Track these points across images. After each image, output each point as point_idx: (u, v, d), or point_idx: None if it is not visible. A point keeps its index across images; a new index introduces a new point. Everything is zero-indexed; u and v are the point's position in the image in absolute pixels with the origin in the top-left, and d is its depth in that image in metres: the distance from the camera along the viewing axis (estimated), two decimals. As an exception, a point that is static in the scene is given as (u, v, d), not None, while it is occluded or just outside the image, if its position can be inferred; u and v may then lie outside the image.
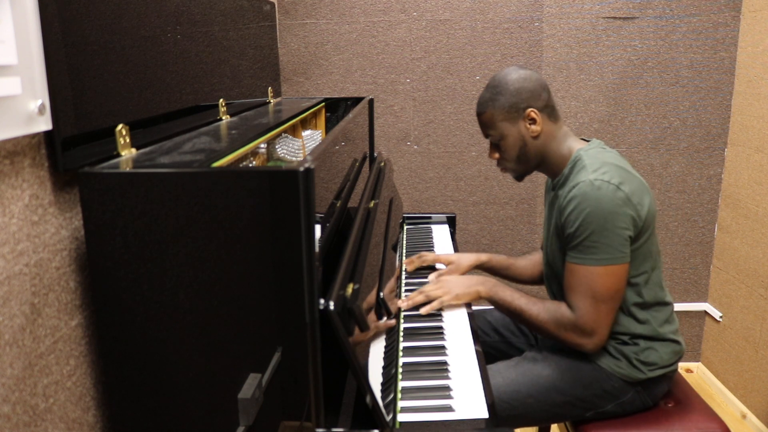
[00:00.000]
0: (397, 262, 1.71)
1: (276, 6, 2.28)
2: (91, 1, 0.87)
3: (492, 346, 1.70)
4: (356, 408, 0.98)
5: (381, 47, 2.36)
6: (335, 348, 0.87)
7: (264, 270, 0.82)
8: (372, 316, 1.13)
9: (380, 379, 1.05)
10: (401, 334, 1.32)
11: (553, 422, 1.48)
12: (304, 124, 1.72)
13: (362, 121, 1.77)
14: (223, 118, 1.38)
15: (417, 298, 1.46)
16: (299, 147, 1.49)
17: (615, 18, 2.31)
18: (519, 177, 1.51)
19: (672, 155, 2.43)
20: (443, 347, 1.27)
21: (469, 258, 1.70)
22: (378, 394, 0.98)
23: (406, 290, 1.56)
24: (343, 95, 2.31)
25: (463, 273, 1.67)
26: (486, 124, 1.44)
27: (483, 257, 1.71)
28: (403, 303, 1.45)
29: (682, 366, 2.59)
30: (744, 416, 2.28)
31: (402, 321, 1.39)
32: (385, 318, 1.24)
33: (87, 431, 0.91)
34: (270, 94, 1.87)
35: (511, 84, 1.39)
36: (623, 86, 2.37)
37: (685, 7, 2.29)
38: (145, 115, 1.03)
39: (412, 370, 1.19)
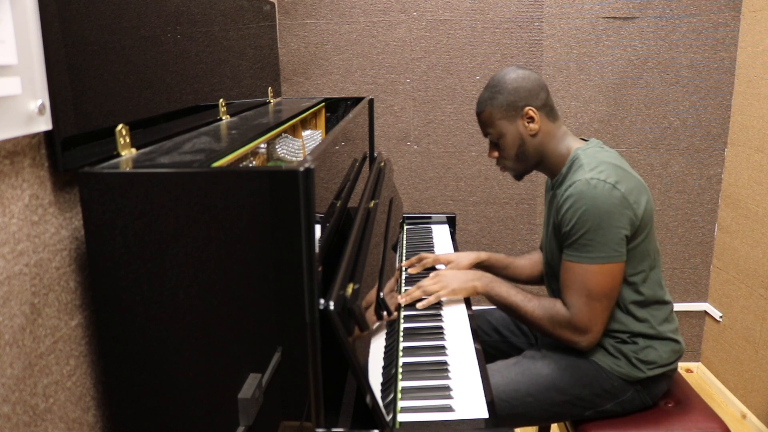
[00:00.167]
0: (397, 262, 1.71)
1: (276, 6, 2.28)
2: (91, 1, 0.87)
3: (492, 346, 1.70)
4: (356, 408, 0.98)
5: (381, 47, 2.36)
6: (335, 348, 0.87)
7: (264, 270, 0.82)
8: (372, 316, 1.13)
9: (380, 379, 1.05)
10: (401, 334, 1.32)
11: (553, 421, 1.48)
12: (304, 124, 1.72)
13: (362, 121, 1.77)
14: (223, 118, 1.38)
15: (414, 293, 1.47)
16: (299, 147, 1.49)
17: (615, 18, 2.31)
18: (518, 176, 1.51)
19: (672, 155, 2.43)
20: (443, 347, 1.27)
21: (468, 256, 1.70)
22: (378, 394, 0.98)
23: (407, 290, 1.56)
24: (343, 95, 2.31)
25: None
26: (485, 123, 1.45)
27: (482, 255, 1.72)
28: (402, 299, 1.46)
29: (682, 366, 2.59)
30: (744, 416, 2.28)
31: (402, 321, 1.39)
32: (385, 318, 1.24)
33: (87, 431, 0.91)
34: (270, 94, 1.87)
35: (510, 83, 1.40)
36: (623, 86, 2.37)
37: (685, 7, 2.29)
38: (145, 115, 1.03)
39: (412, 370, 1.19)
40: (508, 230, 2.52)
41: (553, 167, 1.45)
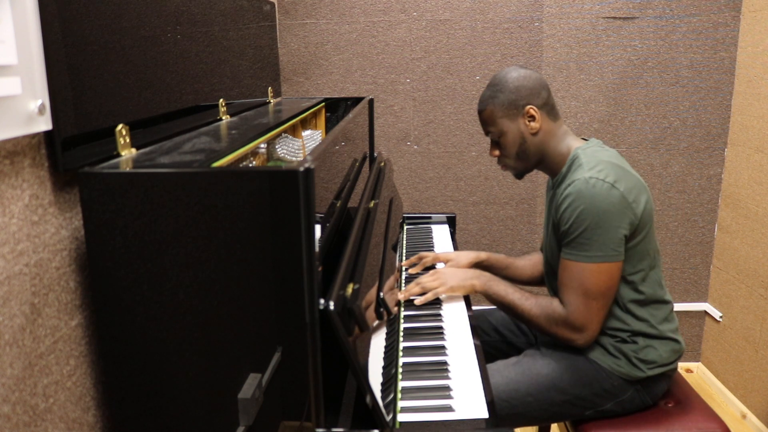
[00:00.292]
0: (397, 262, 1.71)
1: (276, 6, 2.28)
2: (91, 1, 0.87)
3: (492, 346, 1.70)
4: (356, 408, 0.98)
5: (381, 47, 2.36)
6: (335, 348, 0.87)
7: (264, 270, 0.82)
8: (372, 316, 1.13)
9: (380, 379, 1.05)
10: (401, 334, 1.33)
11: (553, 421, 1.48)
12: (304, 124, 1.72)
13: (362, 121, 1.77)
14: (223, 118, 1.38)
15: (413, 289, 1.49)
16: (299, 147, 1.49)
17: (615, 18, 2.31)
18: (519, 175, 1.52)
19: (672, 155, 2.43)
20: (443, 347, 1.27)
21: (468, 256, 1.70)
22: (378, 394, 0.98)
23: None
24: (343, 95, 2.32)
25: None
26: (486, 121, 1.46)
27: (482, 255, 1.72)
28: (401, 294, 1.48)
29: (682, 366, 2.59)
30: (744, 416, 2.28)
31: (402, 321, 1.39)
32: (385, 318, 1.24)
33: (87, 431, 0.91)
34: (270, 94, 1.87)
35: (511, 82, 1.41)
36: (623, 86, 2.37)
37: (685, 7, 2.29)
38: (145, 115, 1.03)
39: (412, 370, 1.19)
40: (508, 230, 2.52)
41: (553, 166, 1.46)
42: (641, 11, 2.30)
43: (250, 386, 0.84)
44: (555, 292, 1.51)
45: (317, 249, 0.81)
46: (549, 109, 1.43)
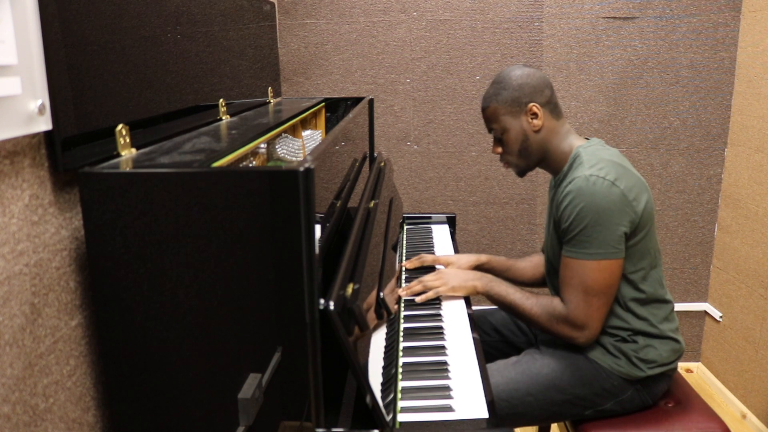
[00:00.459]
0: (397, 262, 1.71)
1: (276, 6, 2.28)
2: (91, 1, 0.87)
3: (492, 346, 1.70)
4: (356, 408, 0.98)
5: (381, 47, 2.36)
6: (335, 348, 0.87)
7: (264, 270, 0.82)
8: (372, 316, 1.13)
9: (380, 379, 1.05)
10: (401, 334, 1.33)
11: (553, 421, 1.48)
12: (304, 124, 1.72)
13: (362, 121, 1.77)
14: (223, 118, 1.38)
15: (415, 287, 1.50)
16: (299, 147, 1.49)
17: (615, 18, 2.31)
18: (521, 172, 1.52)
19: (672, 155, 2.43)
20: (443, 347, 1.27)
21: (468, 259, 1.70)
22: (378, 394, 0.98)
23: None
24: (343, 95, 2.32)
25: None
26: (489, 118, 1.47)
27: (483, 258, 1.72)
28: (402, 291, 1.49)
29: (682, 366, 2.59)
30: (744, 416, 2.28)
31: (402, 321, 1.39)
32: (385, 318, 1.24)
33: (87, 431, 0.91)
34: (270, 94, 1.87)
35: (515, 79, 1.42)
36: (623, 86, 2.37)
37: (685, 7, 2.29)
38: (145, 115, 1.03)
39: (412, 370, 1.19)
40: (508, 230, 2.52)
41: (555, 164, 1.46)
42: (641, 11, 2.30)
43: (250, 386, 0.84)
44: (556, 291, 1.52)
45: (317, 249, 0.81)
46: (552, 107, 1.44)
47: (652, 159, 2.44)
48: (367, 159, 1.88)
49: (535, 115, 1.42)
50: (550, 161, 1.47)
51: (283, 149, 1.39)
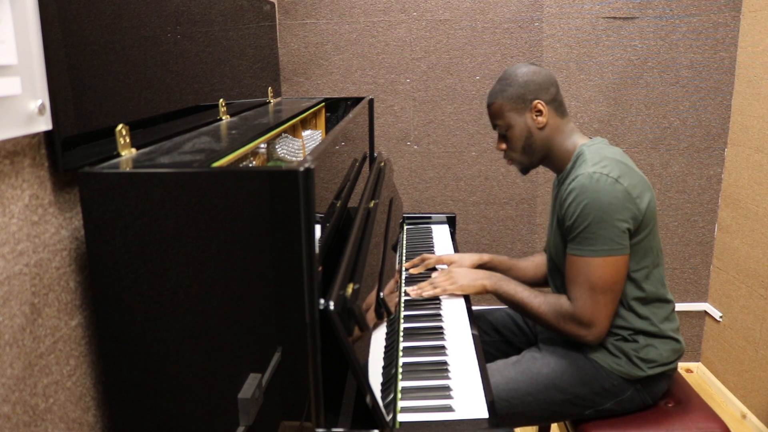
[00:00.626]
0: (397, 263, 1.71)
1: (276, 6, 2.28)
2: (91, 1, 0.87)
3: (492, 346, 1.70)
4: (356, 408, 0.98)
5: (381, 47, 2.36)
6: (335, 348, 0.87)
7: (264, 270, 0.82)
8: (372, 316, 1.13)
9: (380, 379, 1.05)
10: (401, 334, 1.32)
11: (553, 421, 1.48)
12: (304, 124, 1.72)
13: (362, 121, 1.77)
14: (223, 118, 1.38)
15: (426, 288, 1.52)
16: (299, 147, 1.49)
17: (615, 18, 2.31)
18: (524, 169, 1.52)
19: (672, 155, 2.43)
20: (443, 347, 1.27)
21: (471, 258, 1.70)
22: (378, 394, 0.98)
23: (407, 290, 1.56)
24: (343, 95, 2.32)
25: None
26: (494, 115, 1.48)
27: (485, 257, 1.72)
28: (412, 292, 1.51)
29: (682, 366, 2.59)
30: (744, 416, 2.28)
31: (402, 321, 1.39)
32: (385, 318, 1.24)
33: (87, 431, 0.91)
34: (270, 94, 1.87)
35: (521, 76, 1.43)
36: (623, 86, 2.37)
37: (685, 7, 2.29)
38: (145, 115, 1.03)
39: (412, 370, 1.19)
40: (508, 230, 2.52)
41: (558, 162, 1.47)
42: (641, 11, 2.30)
43: (250, 386, 0.84)
44: (558, 290, 1.52)
45: (317, 249, 0.81)
46: (557, 105, 1.45)
47: (652, 159, 2.44)
48: (367, 159, 1.88)
49: (539, 113, 1.43)
50: (553, 159, 1.47)
51: (283, 149, 1.39)
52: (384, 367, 1.10)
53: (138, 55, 1.00)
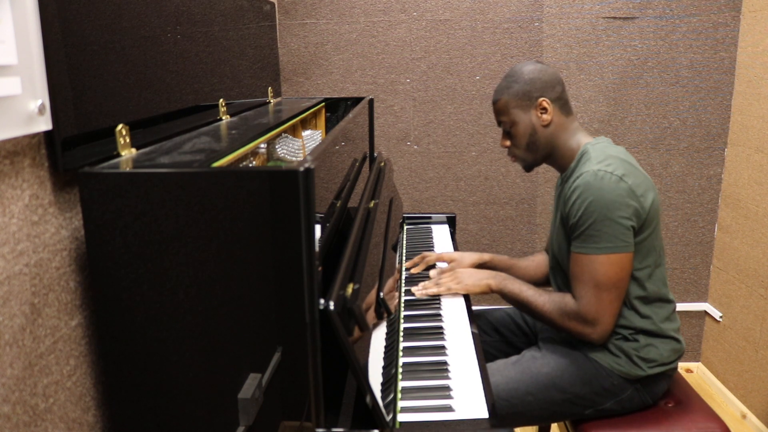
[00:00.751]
0: (397, 262, 1.71)
1: (276, 6, 2.28)
2: (91, 1, 0.87)
3: (492, 346, 1.70)
4: (356, 408, 0.98)
5: (381, 47, 2.36)
6: (335, 348, 0.87)
7: (264, 270, 0.82)
8: (372, 316, 1.13)
9: (380, 379, 1.05)
10: (401, 334, 1.32)
11: (553, 420, 1.48)
12: (304, 124, 1.72)
13: (362, 121, 1.77)
14: (223, 118, 1.38)
15: (431, 288, 1.52)
16: (299, 147, 1.49)
17: (615, 18, 2.31)
18: (527, 167, 1.53)
19: (672, 155, 2.43)
20: (443, 347, 1.27)
21: (471, 257, 1.71)
22: (378, 394, 0.98)
23: (407, 290, 1.56)
24: (343, 95, 2.32)
25: None
26: (499, 111, 1.49)
27: (485, 257, 1.72)
28: (418, 292, 1.51)
29: (682, 366, 2.59)
30: (744, 416, 2.28)
31: (402, 321, 1.39)
32: (385, 318, 1.24)
33: (87, 431, 0.91)
34: (270, 94, 1.87)
35: (527, 74, 1.44)
36: (623, 86, 2.37)
37: (685, 7, 2.29)
38: (145, 115, 1.03)
39: (412, 370, 1.19)
40: (508, 230, 2.52)
41: (562, 161, 1.47)
42: (641, 11, 2.30)
43: (250, 386, 0.84)
44: (560, 288, 1.52)
45: (317, 249, 0.81)
46: (562, 103, 1.45)
47: (652, 159, 2.44)
48: (367, 159, 1.88)
49: (544, 110, 1.43)
50: (557, 157, 1.47)
51: (283, 149, 1.39)
52: (384, 367, 1.10)
53: (138, 55, 1.00)
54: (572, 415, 1.43)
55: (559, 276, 1.51)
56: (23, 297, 0.77)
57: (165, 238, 0.81)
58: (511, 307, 1.67)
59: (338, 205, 1.17)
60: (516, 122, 1.46)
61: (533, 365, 1.41)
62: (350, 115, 1.50)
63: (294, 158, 1.42)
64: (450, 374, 1.17)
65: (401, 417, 1.03)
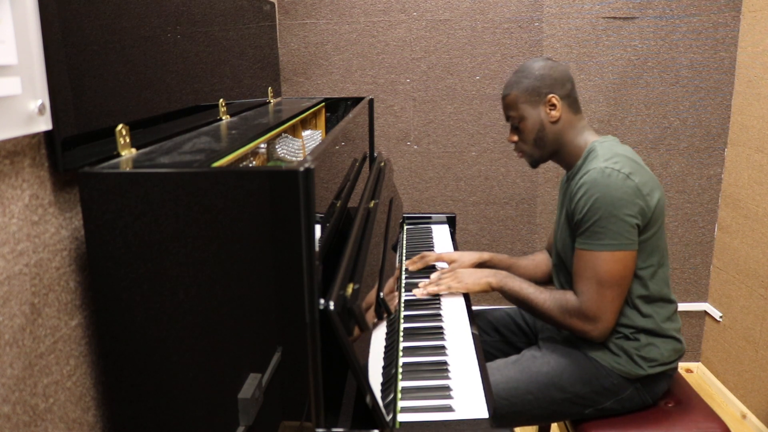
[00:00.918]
0: (397, 262, 1.71)
1: (276, 6, 2.28)
2: (91, 1, 0.87)
3: (492, 346, 1.70)
4: (356, 408, 0.98)
5: (381, 47, 2.36)
6: (335, 348, 0.87)
7: (264, 270, 0.82)
8: (372, 316, 1.13)
9: (380, 379, 1.05)
10: (401, 334, 1.32)
11: (553, 420, 1.48)
12: (304, 124, 1.72)
13: (362, 121, 1.77)
14: (223, 118, 1.38)
15: (431, 287, 1.53)
16: (299, 147, 1.49)
17: (615, 18, 2.31)
18: (534, 162, 1.53)
19: (672, 155, 2.43)
20: (443, 347, 1.27)
21: (471, 256, 1.71)
22: (378, 394, 0.98)
23: (407, 290, 1.56)
24: (343, 95, 2.31)
25: None
26: (508, 106, 1.49)
27: (485, 256, 1.72)
28: (419, 292, 1.51)
29: (682, 366, 2.59)
30: (744, 416, 2.28)
31: (402, 321, 1.39)
32: (385, 318, 1.24)
33: (87, 431, 0.91)
34: (270, 94, 1.87)
35: (537, 70, 1.45)
36: (623, 86, 2.37)
37: (685, 7, 2.29)
38: (145, 115, 1.03)
39: (412, 370, 1.19)
40: (508, 230, 2.52)
41: (569, 158, 1.47)
42: (641, 11, 2.30)
43: (250, 386, 0.84)
44: (563, 286, 1.52)
45: (317, 249, 0.81)
46: (571, 101, 1.45)
47: (652, 159, 2.44)
48: (367, 159, 1.88)
49: (553, 107, 1.43)
50: (564, 154, 1.48)
51: (283, 149, 1.39)
52: (384, 367, 1.10)
53: (138, 55, 1.00)
54: (572, 415, 1.43)
55: (562, 274, 1.51)
56: (23, 297, 0.77)
57: (165, 238, 0.81)
58: (511, 306, 1.67)
59: (338, 205, 1.17)
60: (524, 117, 1.46)
61: (533, 365, 1.41)
62: (350, 115, 1.50)
63: (294, 158, 1.42)
64: (450, 374, 1.17)
65: (401, 417, 1.03)
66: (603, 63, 2.35)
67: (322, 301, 0.84)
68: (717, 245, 2.47)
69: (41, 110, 0.76)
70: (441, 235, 2.03)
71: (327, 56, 2.37)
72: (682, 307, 2.53)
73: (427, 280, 1.56)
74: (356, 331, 0.96)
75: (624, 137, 2.41)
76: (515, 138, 1.51)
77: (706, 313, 2.55)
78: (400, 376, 1.15)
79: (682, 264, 2.52)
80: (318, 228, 0.82)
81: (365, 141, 1.87)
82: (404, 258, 1.80)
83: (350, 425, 0.94)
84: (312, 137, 1.64)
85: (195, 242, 0.81)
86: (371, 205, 1.46)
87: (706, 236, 2.49)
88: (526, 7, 2.32)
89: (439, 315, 1.43)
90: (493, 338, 1.70)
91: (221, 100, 1.39)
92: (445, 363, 1.21)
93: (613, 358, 1.39)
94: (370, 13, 2.33)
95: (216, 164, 0.89)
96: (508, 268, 1.74)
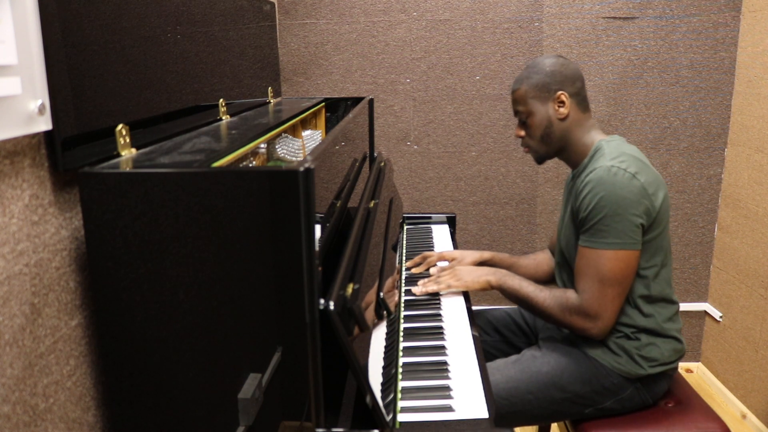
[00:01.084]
0: (397, 262, 1.71)
1: (276, 6, 2.28)
2: (91, 1, 0.87)
3: (492, 346, 1.70)
4: (356, 408, 0.98)
5: (381, 47, 2.36)
6: (335, 348, 0.87)
7: (264, 270, 0.82)
8: (372, 316, 1.13)
9: (380, 379, 1.05)
10: (401, 334, 1.32)
11: (553, 420, 1.48)
12: (304, 124, 1.72)
13: (362, 121, 1.77)
14: (223, 118, 1.38)
15: (430, 286, 1.53)
16: (299, 147, 1.49)
17: (615, 18, 2.31)
18: (539, 159, 1.53)
19: (672, 155, 2.43)
20: (443, 347, 1.27)
21: (472, 255, 1.71)
22: (378, 394, 0.98)
23: (407, 290, 1.56)
24: (343, 95, 2.32)
25: None
26: (517, 101, 1.49)
27: (486, 255, 1.73)
28: (418, 291, 1.51)
29: (682, 366, 2.59)
30: (744, 416, 2.28)
31: (402, 321, 1.39)
32: (385, 318, 1.24)
33: (87, 431, 0.91)
34: (270, 94, 1.87)
35: (548, 66, 1.45)
36: (623, 86, 2.37)
37: (685, 7, 2.29)
38: (145, 115, 1.03)
39: (412, 370, 1.19)
40: (508, 230, 2.52)
41: (575, 156, 1.47)
42: (641, 11, 2.30)
43: (250, 386, 0.84)
44: (565, 285, 1.52)
45: (317, 249, 0.81)
46: (580, 99, 1.46)
47: (652, 159, 2.43)
48: (367, 159, 1.88)
49: (562, 104, 1.43)
50: (570, 152, 1.48)
51: (283, 149, 1.39)
52: (384, 367, 1.10)
53: (138, 55, 1.00)
54: (572, 414, 1.43)
55: (565, 272, 1.51)
56: (23, 297, 0.77)
57: (165, 238, 0.81)
58: (511, 306, 1.67)
59: (338, 205, 1.17)
60: (533, 113, 1.46)
61: (533, 364, 1.41)
62: (350, 115, 1.50)
63: (294, 158, 1.42)
64: (450, 374, 1.17)
65: (401, 417, 1.03)
66: (603, 63, 2.35)
67: (322, 301, 0.84)
68: (717, 245, 2.47)
69: (41, 110, 0.76)
70: (441, 235, 2.03)
71: (327, 56, 2.37)
72: (683, 307, 2.53)
73: (425, 279, 1.56)
74: (356, 331, 0.96)
75: (624, 137, 2.41)
76: (522, 133, 1.51)
77: (706, 313, 2.55)
78: (400, 376, 1.15)
79: (682, 264, 2.53)
80: (318, 228, 0.82)
81: (365, 141, 1.87)
82: (404, 258, 1.80)
83: (350, 425, 0.94)
84: (312, 137, 1.64)
85: (195, 242, 0.81)
86: (371, 205, 1.46)
87: (706, 236, 2.49)
88: (526, 7, 2.32)
89: (439, 315, 1.43)
90: (493, 338, 1.70)
91: (221, 100, 1.39)
92: (445, 363, 1.21)
93: (613, 358, 1.39)
94: (370, 13, 2.33)
95: (216, 164, 0.89)
96: (509, 268, 1.74)
